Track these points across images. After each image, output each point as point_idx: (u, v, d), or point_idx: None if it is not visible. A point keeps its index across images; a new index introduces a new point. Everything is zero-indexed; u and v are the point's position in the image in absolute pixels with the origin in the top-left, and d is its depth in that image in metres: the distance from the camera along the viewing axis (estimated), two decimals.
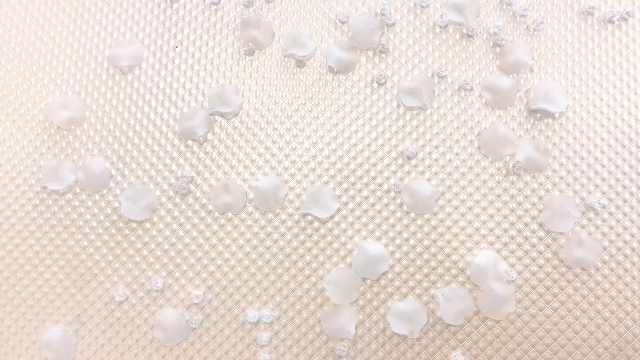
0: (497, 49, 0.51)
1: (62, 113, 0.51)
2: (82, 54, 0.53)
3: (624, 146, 0.49)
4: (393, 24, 0.51)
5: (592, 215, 0.48)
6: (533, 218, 0.48)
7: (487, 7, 0.52)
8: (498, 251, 0.48)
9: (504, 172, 0.49)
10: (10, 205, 0.50)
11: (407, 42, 0.51)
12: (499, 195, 0.49)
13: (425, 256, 0.48)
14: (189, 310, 0.48)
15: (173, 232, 0.49)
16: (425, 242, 0.48)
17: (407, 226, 0.49)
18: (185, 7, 0.53)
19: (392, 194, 0.49)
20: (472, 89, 0.50)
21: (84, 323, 0.48)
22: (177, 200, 0.50)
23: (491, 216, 0.48)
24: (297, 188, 0.49)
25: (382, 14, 0.51)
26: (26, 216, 0.50)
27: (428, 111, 0.50)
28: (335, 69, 0.51)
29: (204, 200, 0.50)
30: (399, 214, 0.49)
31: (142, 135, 0.51)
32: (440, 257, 0.48)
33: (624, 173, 0.49)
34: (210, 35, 0.52)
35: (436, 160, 0.49)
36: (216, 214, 0.49)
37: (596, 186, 0.49)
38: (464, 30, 0.51)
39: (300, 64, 0.51)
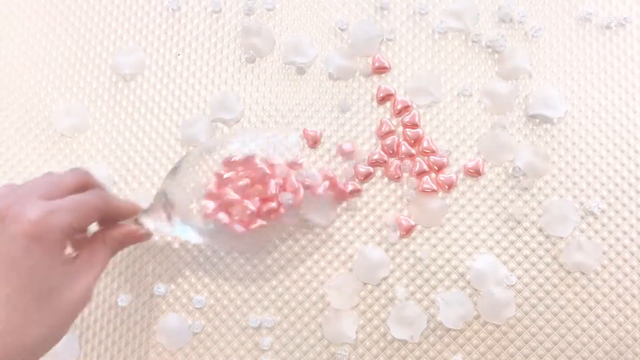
0: (496, 55, 0.51)
1: (65, 120, 0.52)
2: (85, 62, 0.53)
3: (622, 151, 0.49)
4: (392, 34, 0.52)
5: (591, 219, 0.48)
6: (532, 222, 0.49)
7: (486, 13, 0.52)
8: (498, 256, 0.48)
9: (503, 177, 0.49)
10: None
11: (406, 49, 0.52)
12: (498, 200, 0.49)
13: (426, 261, 0.48)
14: (191, 315, 0.49)
15: (175, 237, 0.50)
16: (425, 247, 0.49)
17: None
18: (187, 15, 0.54)
19: (392, 199, 0.49)
20: (471, 95, 0.51)
21: (88, 327, 0.49)
22: None
23: (491, 221, 0.49)
24: None
25: (382, 8, 0.52)
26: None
27: (427, 117, 0.50)
28: (335, 76, 0.51)
29: None
30: None
31: (144, 142, 0.51)
32: (440, 262, 0.48)
33: (623, 177, 0.49)
34: (212, 42, 0.53)
35: None
36: None
37: (595, 190, 0.49)
38: (463, 38, 0.52)
39: (301, 71, 0.52)
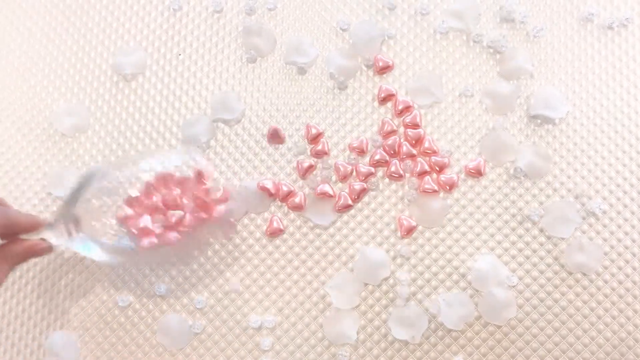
0: (498, 56, 0.51)
1: (66, 120, 0.52)
2: (86, 62, 0.53)
3: (624, 152, 0.49)
4: (394, 34, 0.52)
5: (593, 220, 0.48)
6: (534, 223, 0.48)
7: (488, 13, 0.52)
8: (499, 256, 0.48)
9: (504, 177, 0.49)
10: None
11: (407, 49, 0.52)
12: (499, 201, 0.49)
13: (427, 262, 0.48)
14: (191, 316, 0.49)
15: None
16: (427, 248, 0.48)
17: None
18: (188, 15, 0.53)
19: (393, 199, 0.49)
20: (472, 95, 0.51)
21: (88, 328, 0.49)
22: None
23: (492, 222, 0.49)
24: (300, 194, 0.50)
25: (384, 8, 0.52)
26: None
27: (428, 117, 0.50)
28: (336, 76, 0.51)
29: None
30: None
31: (145, 142, 0.51)
32: (441, 262, 0.48)
33: (625, 178, 0.49)
34: (213, 42, 0.53)
35: None
36: None
37: (597, 192, 0.49)
38: (464, 38, 0.52)
39: (302, 70, 0.52)
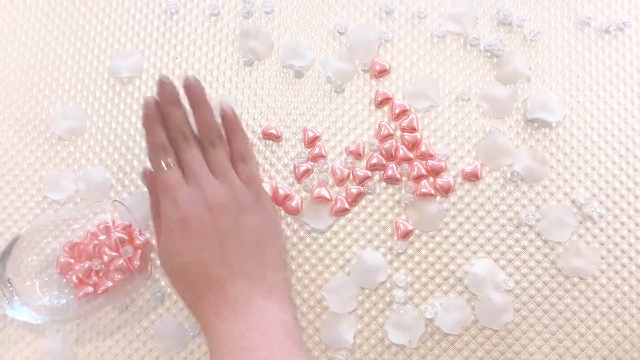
0: (495, 59, 0.51)
1: (63, 123, 0.52)
2: (83, 65, 0.53)
3: (621, 155, 0.49)
4: (391, 37, 0.52)
5: (589, 224, 0.48)
6: (531, 227, 0.48)
7: (485, 17, 0.52)
8: (496, 260, 0.48)
9: (501, 181, 0.49)
10: (11, 215, 0.51)
11: (404, 53, 0.52)
12: (496, 205, 0.49)
13: (423, 265, 0.48)
14: (187, 319, 0.48)
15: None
16: (423, 252, 0.48)
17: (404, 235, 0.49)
18: (185, 19, 0.53)
19: (389, 203, 0.49)
20: (469, 99, 0.51)
21: (84, 332, 0.49)
22: None
23: (489, 225, 0.49)
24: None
25: (381, 11, 0.52)
26: (27, 226, 0.50)
27: (425, 121, 0.50)
28: (333, 79, 0.51)
29: None
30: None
31: (142, 145, 0.51)
32: (438, 266, 0.48)
33: (621, 182, 0.49)
34: (210, 46, 0.53)
35: None
36: None
37: (593, 195, 0.49)
38: (461, 41, 0.52)
39: (299, 74, 0.52)
